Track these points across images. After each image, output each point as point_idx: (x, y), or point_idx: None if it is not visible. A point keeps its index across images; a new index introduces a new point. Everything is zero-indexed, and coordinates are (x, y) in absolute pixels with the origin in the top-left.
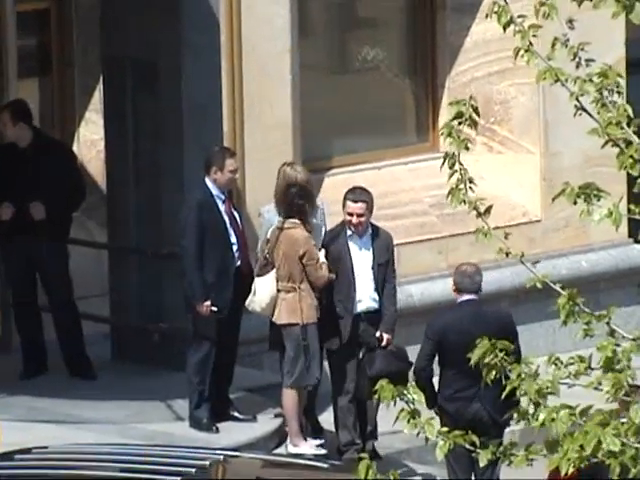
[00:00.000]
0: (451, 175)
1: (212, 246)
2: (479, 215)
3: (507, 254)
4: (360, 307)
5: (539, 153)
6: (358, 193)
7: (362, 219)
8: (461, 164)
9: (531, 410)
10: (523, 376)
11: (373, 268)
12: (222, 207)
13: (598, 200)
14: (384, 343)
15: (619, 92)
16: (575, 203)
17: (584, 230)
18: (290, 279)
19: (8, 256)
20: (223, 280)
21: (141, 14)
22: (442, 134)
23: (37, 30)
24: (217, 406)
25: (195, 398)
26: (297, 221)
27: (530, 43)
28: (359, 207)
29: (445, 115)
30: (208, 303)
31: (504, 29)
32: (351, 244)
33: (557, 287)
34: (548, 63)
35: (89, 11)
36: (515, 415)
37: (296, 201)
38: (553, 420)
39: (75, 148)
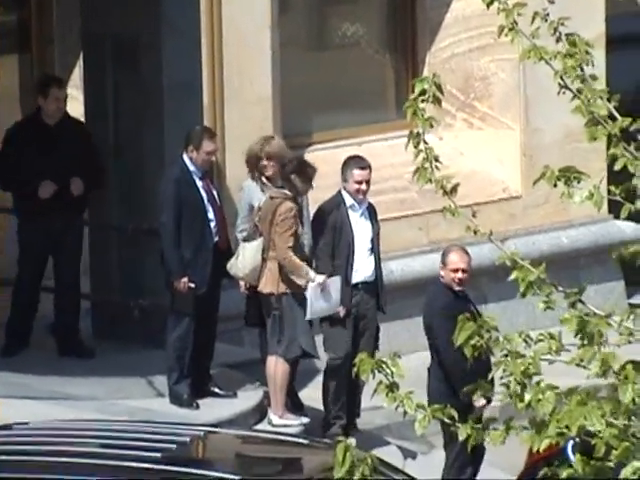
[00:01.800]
0: (417, 154)
1: (190, 222)
2: (445, 194)
3: (475, 232)
4: (357, 277)
5: (519, 129)
6: (362, 160)
7: (366, 187)
8: (426, 143)
9: (517, 391)
10: (508, 356)
11: (372, 239)
12: (199, 183)
13: (578, 182)
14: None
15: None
16: (555, 186)
17: (564, 206)
18: (275, 248)
19: (29, 233)
20: (201, 256)
21: None
22: (405, 112)
23: (17, 7)
24: (197, 382)
25: (175, 374)
26: (286, 192)
27: (514, 22)
28: (367, 173)
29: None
30: (185, 279)
31: (488, 6)
32: (351, 213)
33: (525, 263)
34: (532, 42)
35: None
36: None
37: (293, 174)
38: (539, 401)
39: None
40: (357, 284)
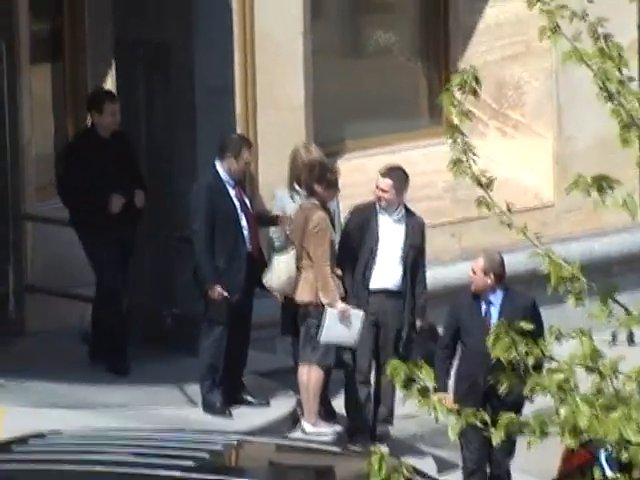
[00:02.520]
0: (453, 147)
1: (223, 231)
2: (481, 187)
3: (509, 225)
4: (378, 284)
5: (552, 137)
6: (388, 169)
7: (385, 195)
8: (463, 134)
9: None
10: (544, 371)
11: (404, 249)
12: (232, 192)
13: (612, 190)
14: (419, 328)
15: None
16: (589, 194)
17: (596, 214)
18: (309, 258)
19: (102, 247)
20: (234, 265)
21: None
22: (441, 103)
23: (50, 15)
24: (230, 391)
25: (208, 382)
26: (316, 202)
27: (557, 25)
28: (382, 182)
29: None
30: (219, 288)
31: (530, 7)
32: (381, 218)
33: (559, 259)
34: (574, 44)
35: None
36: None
37: (314, 183)
38: (574, 413)
39: None
40: (377, 291)
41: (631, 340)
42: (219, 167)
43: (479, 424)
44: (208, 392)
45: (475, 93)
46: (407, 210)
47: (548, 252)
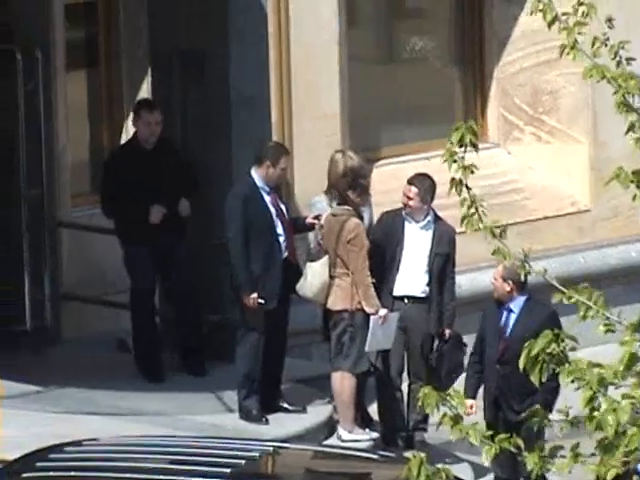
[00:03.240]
0: (462, 203)
1: (258, 237)
2: (495, 237)
3: (528, 273)
4: (402, 290)
5: (588, 143)
6: (413, 176)
7: (410, 202)
8: (469, 188)
9: (587, 410)
10: (583, 366)
11: (430, 257)
12: (267, 198)
13: None
14: (447, 337)
15: None
16: (627, 187)
17: (634, 220)
18: (344, 266)
19: (139, 258)
20: (270, 271)
21: (189, 4)
22: (445, 160)
23: (85, 22)
24: (267, 397)
25: (244, 389)
26: (349, 208)
27: (575, 41)
28: (408, 189)
29: (493, 106)
30: (255, 295)
31: (549, 26)
32: (407, 224)
33: (583, 298)
34: (594, 60)
35: (137, 2)
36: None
37: (348, 189)
38: (614, 410)
39: (123, 140)
40: (403, 297)
41: None
42: (254, 174)
43: (513, 449)
44: (245, 399)
45: (475, 147)
46: (437, 218)
47: (570, 293)
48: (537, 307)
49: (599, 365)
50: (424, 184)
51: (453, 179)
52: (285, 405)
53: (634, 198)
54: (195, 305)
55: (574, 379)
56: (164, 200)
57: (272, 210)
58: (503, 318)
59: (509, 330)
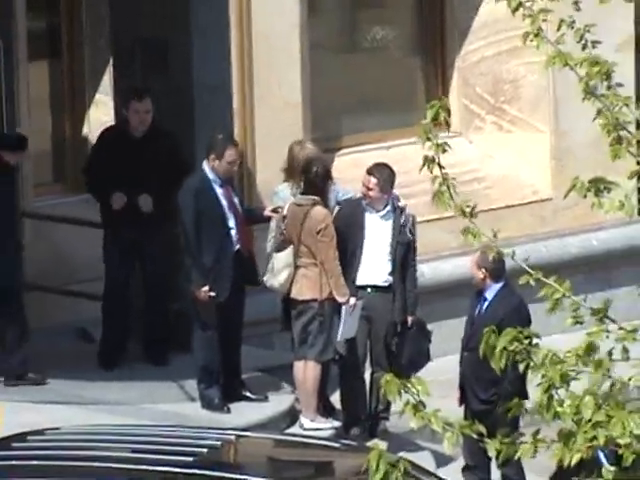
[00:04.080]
0: (433, 180)
1: (210, 230)
2: (465, 217)
3: (498, 253)
4: (365, 280)
5: (549, 131)
6: (372, 167)
7: (370, 193)
8: (442, 167)
9: (545, 400)
10: (547, 361)
11: (392, 245)
12: (219, 191)
13: (608, 192)
14: (409, 324)
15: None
16: (585, 197)
17: (594, 209)
18: (311, 255)
19: (112, 246)
20: (222, 264)
21: None
22: (421, 138)
23: (47, 12)
24: (228, 387)
25: (204, 381)
26: (313, 197)
27: (540, 28)
28: (367, 179)
29: (454, 95)
30: (206, 288)
31: (513, 13)
32: (367, 214)
33: (551, 281)
34: (557, 48)
35: None
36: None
37: (316, 178)
38: (578, 406)
39: (85, 130)
40: (367, 286)
41: (627, 356)
42: (205, 167)
43: (475, 436)
44: (206, 389)
45: (447, 125)
46: (396, 206)
47: (538, 275)
48: (507, 296)
49: (561, 362)
50: (383, 174)
51: (426, 157)
52: (247, 394)
53: (592, 206)
54: (164, 296)
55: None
56: (137, 190)
57: (224, 203)
58: (478, 306)
59: (478, 317)
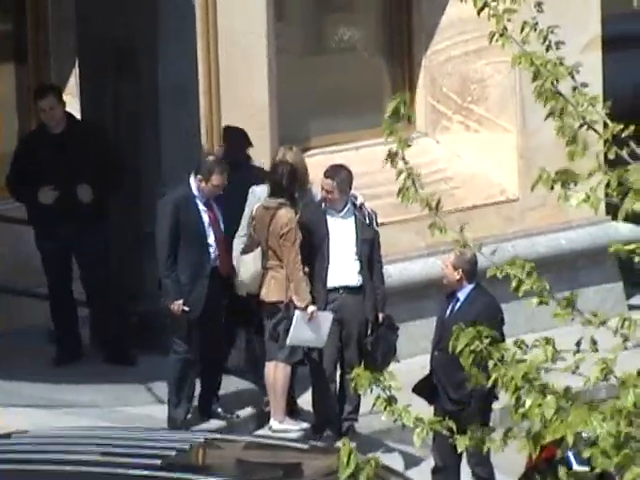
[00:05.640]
0: (398, 174)
1: (187, 245)
2: (431, 210)
3: (464, 245)
4: (336, 281)
5: (516, 131)
6: (329, 169)
7: (330, 195)
8: (406, 162)
9: (513, 401)
10: (508, 361)
11: (357, 244)
12: (202, 207)
13: (575, 185)
14: (380, 321)
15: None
16: (552, 189)
17: (562, 209)
18: (277, 257)
19: (45, 243)
20: (197, 281)
21: None
22: (384, 132)
23: (12, 16)
24: (205, 403)
25: (172, 398)
26: (283, 200)
27: (505, 28)
28: (326, 182)
29: (421, 95)
30: (180, 302)
31: (478, 13)
32: (328, 217)
33: (516, 269)
34: (523, 48)
35: None
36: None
37: (283, 180)
38: (540, 405)
39: None
40: (338, 288)
41: (595, 348)
42: (192, 182)
43: (445, 432)
44: (174, 408)
45: (409, 120)
46: (355, 205)
47: (502, 267)
48: (479, 296)
49: (523, 360)
50: (340, 175)
51: (389, 152)
52: (219, 410)
53: (559, 199)
54: (108, 296)
55: (497, 378)
56: (65, 184)
57: (205, 219)
58: (450, 306)
59: (450, 317)
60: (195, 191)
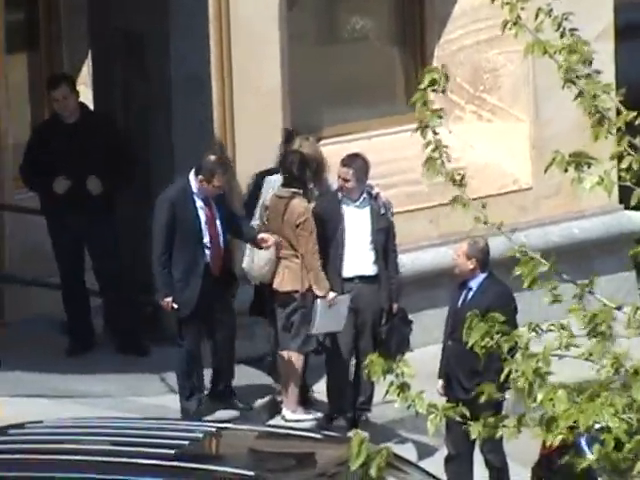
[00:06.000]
0: (426, 146)
1: (182, 243)
2: (455, 185)
3: (485, 223)
4: (352, 271)
5: (529, 121)
6: (346, 158)
7: (347, 184)
8: (435, 133)
9: (527, 388)
10: (519, 356)
11: (372, 234)
12: (199, 204)
13: (589, 167)
14: (394, 312)
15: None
16: (566, 171)
17: (575, 197)
18: (292, 247)
19: (58, 234)
20: (189, 280)
21: None
22: (414, 103)
23: (25, 5)
24: (220, 396)
25: (185, 391)
26: (297, 190)
27: (518, 16)
28: (343, 171)
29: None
30: (170, 299)
31: (492, 1)
32: (344, 206)
33: (536, 255)
34: (536, 36)
35: None
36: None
37: (293, 169)
38: (551, 399)
39: None
40: (353, 278)
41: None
42: (191, 179)
43: (458, 418)
44: (186, 399)
45: (444, 91)
46: (371, 195)
47: (522, 249)
48: (492, 285)
49: (534, 355)
50: (357, 163)
51: (421, 121)
52: (232, 401)
53: (572, 182)
54: (120, 287)
55: (508, 374)
56: (77, 174)
57: (202, 217)
58: (462, 295)
59: (462, 307)
60: (194, 188)
